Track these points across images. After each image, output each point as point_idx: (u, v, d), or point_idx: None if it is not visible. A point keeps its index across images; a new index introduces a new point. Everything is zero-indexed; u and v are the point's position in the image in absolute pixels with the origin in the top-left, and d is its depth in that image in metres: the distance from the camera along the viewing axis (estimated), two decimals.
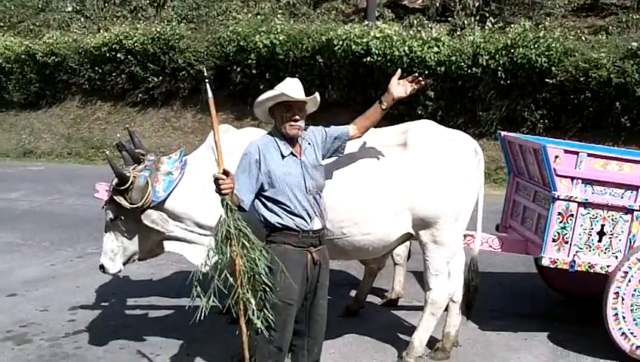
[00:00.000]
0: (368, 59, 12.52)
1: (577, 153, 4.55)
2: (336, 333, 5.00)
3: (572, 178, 4.53)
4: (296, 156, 3.67)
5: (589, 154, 4.56)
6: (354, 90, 13.31)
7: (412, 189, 4.28)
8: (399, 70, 3.96)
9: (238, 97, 14.76)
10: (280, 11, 16.27)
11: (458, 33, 13.08)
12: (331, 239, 4.17)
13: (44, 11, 20.48)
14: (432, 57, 12.09)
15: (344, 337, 5.05)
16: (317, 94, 3.75)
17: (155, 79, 15.72)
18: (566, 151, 4.55)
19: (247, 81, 14.45)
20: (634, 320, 4.52)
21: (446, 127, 4.72)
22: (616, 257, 4.58)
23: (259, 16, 15.63)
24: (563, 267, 4.61)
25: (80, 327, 5.38)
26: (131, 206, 4.21)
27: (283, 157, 3.63)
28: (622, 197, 4.56)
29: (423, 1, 16.30)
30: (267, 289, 3.45)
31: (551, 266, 4.64)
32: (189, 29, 16.27)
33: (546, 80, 11.42)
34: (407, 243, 5.62)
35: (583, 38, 12.15)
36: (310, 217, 3.63)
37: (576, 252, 4.59)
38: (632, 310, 4.51)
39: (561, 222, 4.57)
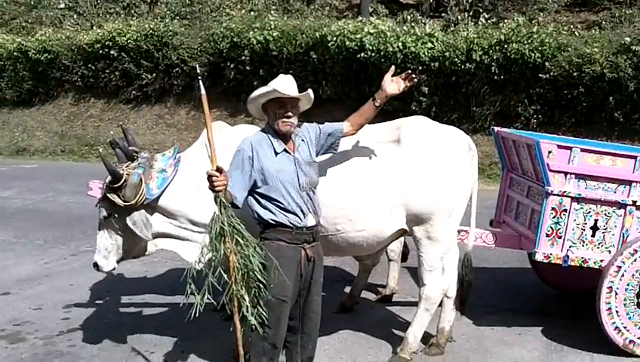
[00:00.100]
0: (362, 55, 12.52)
1: (570, 148, 4.55)
2: (331, 329, 5.01)
3: (565, 173, 4.54)
4: (289, 153, 3.67)
5: (582, 150, 4.57)
6: (348, 86, 13.30)
7: (406, 185, 4.28)
8: (392, 67, 3.96)
9: (232, 94, 14.74)
10: (273, 7, 16.26)
11: (452, 29, 13.10)
12: (325, 235, 4.16)
13: (36, 8, 20.42)
14: (426, 53, 12.10)
15: (338, 333, 5.05)
16: (310, 91, 3.75)
17: (149, 76, 15.68)
18: (559, 147, 4.56)
19: (241, 78, 14.43)
20: (627, 314, 4.54)
21: (440, 123, 4.72)
22: (610, 252, 4.60)
23: (252, 13, 15.62)
24: (556, 262, 4.62)
25: (74, 325, 5.37)
26: (125, 203, 4.19)
27: (276, 153, 3.63)
28: (615, 192, 4.57)
29: None
30: (261, 286, 3.45)
31: (544, 261, 4.65)
32: (182, 25, 16.24)
33: (540, 75, 11.44)
34: (402, 239, 5.63)
35: (577, 33, 12.17)
36: (304, 214, 3.63)
37: (570, 247, 4.60)
38: (625, 304, 4.53)
39: (554, 217, 4.58)
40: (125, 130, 4.71)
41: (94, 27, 17.25)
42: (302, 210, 3.62)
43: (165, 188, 4.32)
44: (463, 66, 12.00)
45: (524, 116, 11.71)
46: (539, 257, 4.62)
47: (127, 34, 15.55)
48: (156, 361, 4.65)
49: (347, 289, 5.88)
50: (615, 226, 4.59)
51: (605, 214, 4.58)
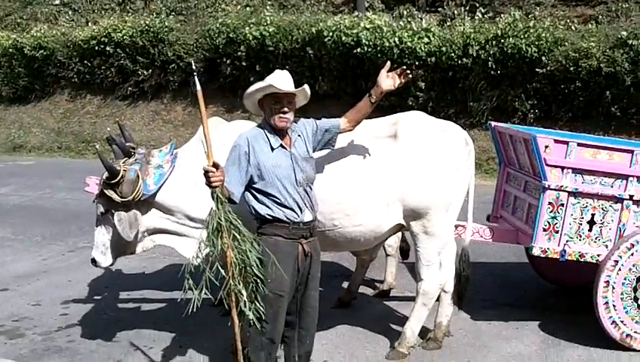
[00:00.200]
0: (358, 50, 12.49)
1: (567, 143, 4.56)
2: (329, 325, 5.02)
3: (562, 167, 4.54)
4: (285, 148, 3.67)
5: (579, 144, 4.58)
6: (344, 82, 13.27)
7: (403, 180, 4.29)
8: (388, 62, 3.96)
9: (228, 90, 14.69)
10: (269, 3, 16.18)
11: (448, 24, 13.05)
12: (322, 231, 4.17)
13: (31, 4, 20.30)
14: (423, 48, 12.07)
15: (336, 328, 5.06)
16: (306, 86, 3.75)
17: (145, 72, 15.62)
18: (556, 141, 4.56)
19: (237, 74, 14.39)
20: (624, 308, 4.54)
21: (436, 118, 4.73)
22: (607, 246, 4.61)
23: (248, 8, 15.54)
24: (553, 256, 4.63)
25: (73, 321, 5.38)
26: (122, 199, 4.20)
27: (272, 149, 3.64)
28: (612, 187, 4.58)
29: None
30: (258, 281, 3.46)
31: (542, 256, 4.66)
32: (178, 21, 16.17)
33: (537, 70, 11.43)
34: (400, 235, 5.64)
35: (573, 27, 12.15)
36: (300, 209, 3.64)
37: (567, 241, 4.61)
38: (622, 298, 4.54)
39: (551, 212, 4.58)
40: (122, 126, 4.71)
41: (89, 23, 17.17)
42: (299, 206, 3.63)
43: (162, 184, 4.33)
44: (459, 61, 11.98)
45: (521, 111, 11.70)
46: (536, 252, 4.63)
47: (122, 30, 15.47)
48: (155, 356, 4.66)
49: (345, 285, 5.89)
50: (612, 220, 4.60)
51: (602, 208, 4.59)
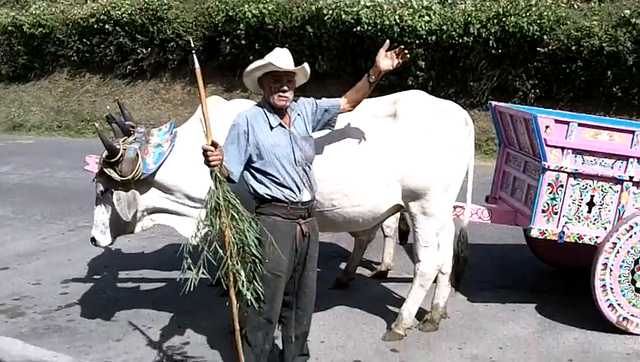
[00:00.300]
0: (358, 28, 12.39)
1: (568, 123, 4.53)
2: (326, 305, 5.03)
3: (562, 148, 4.51)
4: (285, 127, 3.66)
5: (580, 124, 4.55)
6: (344, 61, 13.19)
7: (402, 160, 4.28)
8: (387, 42, 3.91)
9: (228, 68, 14.62)
10: None
11: (449, 2, 12.90)
12: (321, 211, 4.17)
13: None
14: (423, 26, 11.98)
15: (334, 309, 5.08)
16: (306, 65, 3.72)
17: (144, 51, 15.53)
18: (557, 121, 4.54)
19: (237, 52, 14.29)
20: (621, 291, 4.54)
21: (436, 98, 4.70)
22: (605, 228, 4.59)
23: None
24: (552, 238, 4.62)
25: (72, 300, 5.40)
26: (121, 178, 4.19)
27: (271, 128, 3.62)
28: (612, 168, 4.55)
29: None
30: (256, 260, 3.46)
31: (540, 237, 4.66)
32: None
33: (538, 49, 11.34)
34: (399, 215, 5.63)
35: (575, 6, 12.03)
36: (299, 189, 3.63)
37: (566, 223, 4.59)
38: (619, 281, 4.54)
39: (550, 193, 4.57)
40: (121, 105, 4.69)
41: (89, 1, 16.98)
42: (297, 185, 3.62)
43: (162, 163, 4.33)
44: (460, 40, 11.89)
45: (521, 91, 11.64)
46: (534, 233, 4.62)
47: (121, 8, 15.35)
48: (153, 336, 4.68)
49: (342, 266, 5.90)
50: (611, 202, 4.58)
51: (602, 190, 4.57)
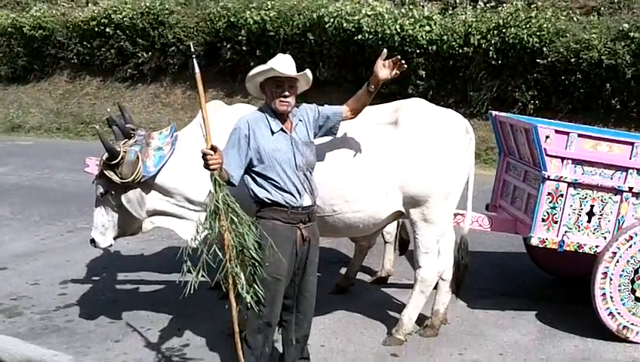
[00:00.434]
0: (359, 37, 12.44)
1: (568, 133, 4.56)
2: (326, 310, 5.04)
3: (562, 158, 4.54)
4: (286, 132, 3.67)
5: (580, 135, 4.58)
6: (345, 69, 13.22)
7: (403, 167, 4.29)
8: (384, 51, 3.90)
9: (228, 74, 14.65)
10: None
11: (450, 12, 12.98)
12: (322, 216, 4.18)
13: None
14: (424, 36, 12.02)
15: (334, 313, 5.08)
16: (308, 71, 3.74)
17: (145, 54, 15.55)
18: (557, 132, 4.56)
19: (237, 58, 14.32)
20: (621, 300, 4.56)
21: (437, 106, 4.72)
22: (605, 238, 4.61)
23: None
24: (552, 247, 4.63)
25: (71, 301, 5.40)
26: (122, 181, 4.20)
27: (273, 133, 3.64)
28: (611, 178, 4.58)
29: None
30: (256, 264, 3.47)
31: (540, 246, 4.66)
32: (179, 3, 16.04)
33: (537, 60, 11.40)
34: (398, 222, 5.64)
35: (575, 18, 12.10)
36: (300, 193, 3.64)
37: (566, 232, 4.61)
38: (619, 290, 4.55)
39: (550, 202, 4.58)
40: (122, 107, 4.70)
41: (89, 4, 17.04)
42: (298, 190, 3.63)
43: (162, 167, 4.34)
44: (460, 50, 11.94)
45: (521, 101, 11.68)
46: (534, 242, 4.63)
47: (122, 11, 15.37)
48: (152, 338, 4.68)
49: (343, 271, 5.90)
50: (611, 212, 4.60)
51: (601, 200, 4.59)
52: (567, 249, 4.62)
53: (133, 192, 4.24)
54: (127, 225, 4.43)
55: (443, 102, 11.60)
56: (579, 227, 4.63)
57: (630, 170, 4.56)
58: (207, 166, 3.35)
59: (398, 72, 3.87)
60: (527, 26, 11.39)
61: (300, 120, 3.79)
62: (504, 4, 12.44)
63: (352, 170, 4.24)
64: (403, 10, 12.60)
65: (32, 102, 16.95)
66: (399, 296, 5.46)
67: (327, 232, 4.42)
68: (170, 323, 4.93)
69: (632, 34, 10.63)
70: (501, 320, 5.05)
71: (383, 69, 3.84)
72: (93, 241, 4.46)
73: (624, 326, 4.59)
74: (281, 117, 3.69)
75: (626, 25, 10.84)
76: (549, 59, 11.30)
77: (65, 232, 7.49)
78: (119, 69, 16.13)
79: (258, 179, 3.64)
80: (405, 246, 5.97)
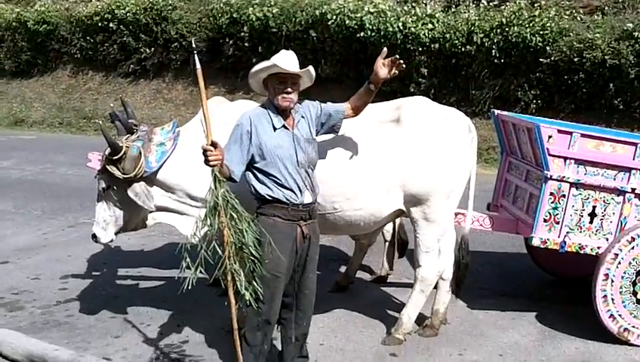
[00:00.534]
0: (362, 34, 12.44)
1: (571, 133, 4.54)
2: (326, 308, 5.03)
3: (565, 158, 4.52)
4: (288, 129, 3.66)
5: (583, 135, 4.55)
6: (347, 66, 13.22)
7: (404, 165, 4.28)
8: (384, 50, 3.88)
9: (230, 70, 14.66)
10: None
11: (453, 10, 12.96)
12: (323, 214, 4.17)
13: None
14: (426, 34, 12.02)
15: (333, 312, 5.08)
16: (311, 68, 3.73)
17: (147, 50, 15.56)
18: (559, 131, 4.54)
19: (240, 54, 14.32)
20: (622, 302, 4.54)
21: (440, 104, 4.71)
22: (607, 239, 4.59)
23: None
24: (553, 247, 4.61)
25: (71, 296, 5.40)
26: (124, 176, 4.20)
27: (275, 129, 3.63)
28: (614, 179, 4.56)
29: None
30: (255, 261, 3.46)
31: (541, 246, 4.64)
32: None
33: (540, 60, 11.39)
34: (400, 221, 5.62)
35: (579, 17, 12.08)
36: (300, 190, 3.64)
37: (567, 233, 4.59)
38: (620, 292, 4.53)
39: (552, 203, 4.57)
40: (125, 102, 4.69)
41: None
42: (299, 187, 3.63)
43: (164, 162, 4.33)
44: (463, 49, 11.93)
45: (523, 101, 11.68)
46: (536, 242, 4.62)
47: (126, 7, 15.39)
48: (152, 334, 4.67)
49: (343, 269, 5.90)
50: (613, 213, 4.58)
51: (604, 201, 4.58)
52: (569, 250, 4.60)
53: (138, 185, 4.24)
54: (131, 219, 4.43)
55: (445, 101, 11.59)
56: (581, 228, 4.61)
57: (633, 171, 4.53)
58: (207, 162, 3.35)
59: (396, 71, 3.85)
60: (531, 24, 11.39)
61: (303, 116, 3.78)
62: (507, 3, 12.43)
63: (353, 167, 4.23)
64: (406, 8, 12.60)
65: (35, 96, 16.97)
66: (399, 294, 5.45)
67: (327, 230, 4.42)
68: (169, 320, 4.93)
69: (636, 34, 10.62)
70: (501, 320, 5.04)
71: (383, 68, 3.82)
72: (94, 236, 4.45)
73: (625, 329, 4.57)
74: (284, 113, 3.68)
75: (630, 24, 10.83)
76: (552, 59, 11.29)
77: (66, 227, 7.49)
78: (122, 65, 16.16)
79: (259, 175, 3.63)
80: (404, 247, 5.95)
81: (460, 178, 4.53)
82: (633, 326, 4.58)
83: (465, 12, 12.34)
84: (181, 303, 5.04)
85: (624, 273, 4.53)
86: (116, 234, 4.48)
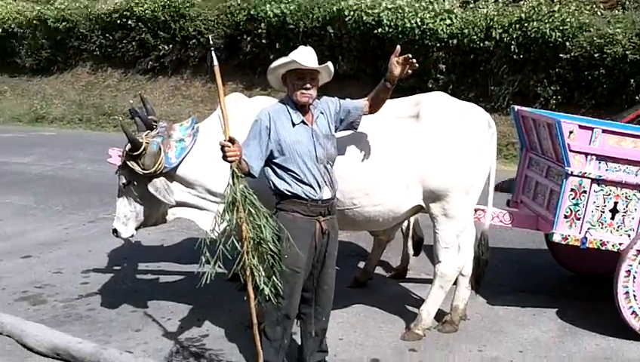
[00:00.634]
0: (379, 30, 12.41)
1: (592, 129, 4.49)
2: (345, 304, 5.04)
3: (586, 154, 4.47)
4: (307, 124, 3.66)
5: (604, 130, 4.51)
6: (364, 62, 13.21)
7: (423, 161, 4.27)
8: (398, 47, 3.85)
9: (248, 67, 14.71)
10: None
11: (471, 5, 12.90)
12: (342, 209, 4.17)
13: None
14: (444, 30, 11.97)
15: (352, 307, 5.08)
16: (330, 63, 3.73)
17: (166, 47, 15.67)
18: (580, 127, 4.49)
19: (257, 51, 14.38)
20: None
21: (459, 100, 4.69)
22: (629, 235, 4.54)
23: None
24: (574, 244, 4.57)
25: (93, 290, 5.46)
26: (144, 171, 4.23)
27: (294, 125, 3.63)
28: (636, 175, 4.50)
29: None
30: (274, 256, 3.47)
31: (562, 243, 4.60)
32: None
33: (560, 55, 11.30)
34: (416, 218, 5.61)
35: (599, 12, 11.97)
36: (319, 186, 3.64)
37: (588, 229, 4.55)
38: None
39: (573, 199, 4.53)
40: (144, 99, 4.73)
41: None
42: (318, 183, 3.63)
43: (184, 158, 4.36)
44: (481, 44, 11.87)
45: (542, 96, 11.60)
46: (556, 238, 4.58)
47: (144, 4, 15.52)
48: (172, 327, 4.71)
49: (361, 265, 5.90)
50: (635, 209, 4.52)
51: (625, 197, 4.53)
52: (590, 246, 4.56)
53: (159, 181, 4.27)
54: (151, 214, 4.46)
55: (463, 97, 11.52)
56: (602, 224, 4.56)
57: None
58: (224, 158, 3.36)
59: (409, 70, 3.83)
60: (550, 20, 11.30)
61: (322, 112, 3.78)
62: None
63: (372, 163, 4.22)
64: (423, 4, 12.54)
65: (55, 93, 17.15)
66: (418, 290, 5.44)
67: (346, 226, 4.41)
68: (189, 314, 4.96)
69: None
70: (521, 316, 5.02)
71: (397, 67, 3.78)
72: (115, 231, 4.49)
73: None
74: (302, 109, 3.68)
75: None
76: (572, 54, 11.20)
77: (87, 222, 7.57)
78: (140, 62, 16.29)
79: (278, 170, 3.64)
80: (419, 245, 5.93)
81: (479, 174, 4.50)
82: None
83: (483, 7, 12.28)
84: (201, 298, 5.07)
85: None
86: (137, 229, 4.52)
